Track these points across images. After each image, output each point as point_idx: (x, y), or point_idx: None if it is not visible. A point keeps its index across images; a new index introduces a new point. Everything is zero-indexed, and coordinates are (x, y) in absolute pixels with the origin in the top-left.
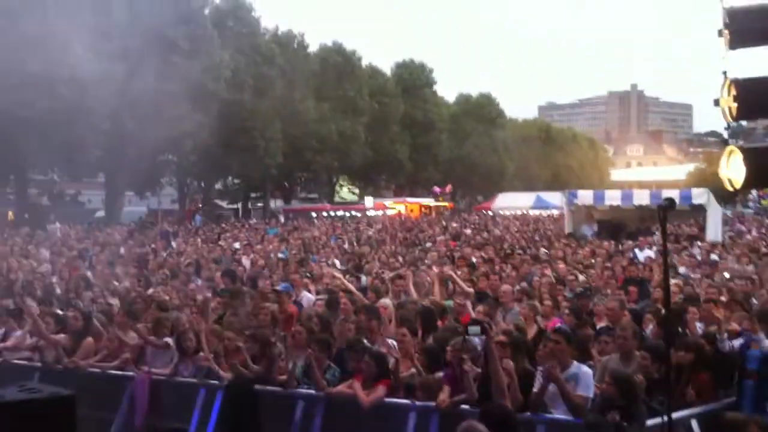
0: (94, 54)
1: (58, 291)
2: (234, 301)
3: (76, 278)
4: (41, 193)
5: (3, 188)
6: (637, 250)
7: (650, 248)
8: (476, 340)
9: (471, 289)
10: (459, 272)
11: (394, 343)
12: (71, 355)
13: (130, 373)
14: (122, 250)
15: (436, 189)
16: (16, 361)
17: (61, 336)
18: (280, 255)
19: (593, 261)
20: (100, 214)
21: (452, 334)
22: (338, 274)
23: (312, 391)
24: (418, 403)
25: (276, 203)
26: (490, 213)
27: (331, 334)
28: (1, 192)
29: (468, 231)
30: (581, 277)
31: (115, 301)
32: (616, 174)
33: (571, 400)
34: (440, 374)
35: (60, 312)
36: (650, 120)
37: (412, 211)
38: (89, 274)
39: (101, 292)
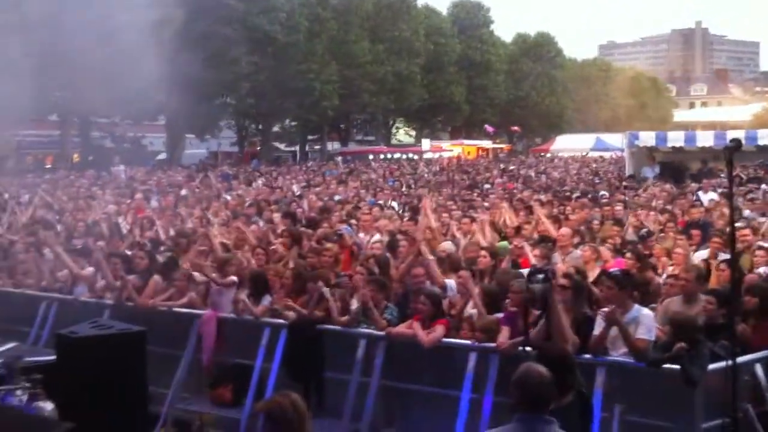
0: None
1: (124, 232)
2: (295, 242)
3: (141, 219)
4: (104, 136)
5: (68, 131)
6: (700, 193)
7: (714, 191)
8: (535, 283)
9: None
10: (518, 215)
11: (453, 284)
12: (139, 294)
13: (197, 311)
14: (184, 192)
15: (489, 128)
16: (86, 299)
17: (130, 276)
18: (337, 197)
19: (654, 204)
20: (162, 156)
21: (513, 275)
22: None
23: (373, 331)
24: (478, 343)
25: (333, 146)
26: (549, 155)
27: (389, 276)
28: (66, 135)
29: (528, 172)
30: (642, 220)
31: (179, 241)
32: (679, 114)
33: (632, 344)
34: (499, 315)
35: (127, 252)
36: (715, 59)
37: (468, 153)
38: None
39: (165, 233)
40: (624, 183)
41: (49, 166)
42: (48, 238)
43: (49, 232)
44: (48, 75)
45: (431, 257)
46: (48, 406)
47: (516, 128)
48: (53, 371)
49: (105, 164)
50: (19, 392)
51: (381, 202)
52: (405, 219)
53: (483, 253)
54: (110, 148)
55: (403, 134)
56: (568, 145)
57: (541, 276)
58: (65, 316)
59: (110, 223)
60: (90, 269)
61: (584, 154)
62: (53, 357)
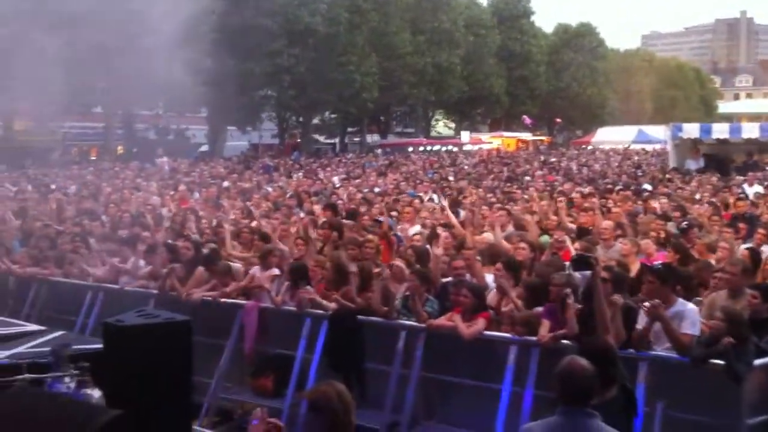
0: None
1: (167, 223)
2: (336, 233)
3: (185, 210)
4: (148, 127)
5: (112, 123)
6: (745, 186)
7: (760, 183)
8: (579, 276)
9: (572, 225)
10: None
11: (491, 277)
12: (183, 284)
13: (240, 302)
14: (226, 183)
15: (527, 119)
16: (130, 288)
17: (175, 265)
18: (377, 189)
19: (698, 196)
20: (204, 148)
21: (554, 269)
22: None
23: (413, 323)
24: (518, 337)
25: (372, 138)
26: (590, 147)
27: (429, 268)
28: (111, 127)
29: (570, 165)
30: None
31: (223, 233)
32: (724, 106)
33: (677, 338)
34: (540, 309)
35: (171, 242)
36: (760, 49)
37: (508, 145)
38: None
39: (209, 224)
40: (667, 176)
41: (93, 158)
42: (94, 228)
43: (95, 222)
44: (92, 68)
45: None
46: (95, 393)
47: (557, 120)
48: (100, 359)
49: (149, 156)
50: (67, 379)
51: (421, 194)
52: (445, 211)
53: (522, 245)
54: (154, 140)
55: (442, 126)
56: (610, 137)
57: (584, 264)
58: (111, 305)
59: (155, 214)
60: (135, 259)
61: (626, 146)
62: (100, 345)
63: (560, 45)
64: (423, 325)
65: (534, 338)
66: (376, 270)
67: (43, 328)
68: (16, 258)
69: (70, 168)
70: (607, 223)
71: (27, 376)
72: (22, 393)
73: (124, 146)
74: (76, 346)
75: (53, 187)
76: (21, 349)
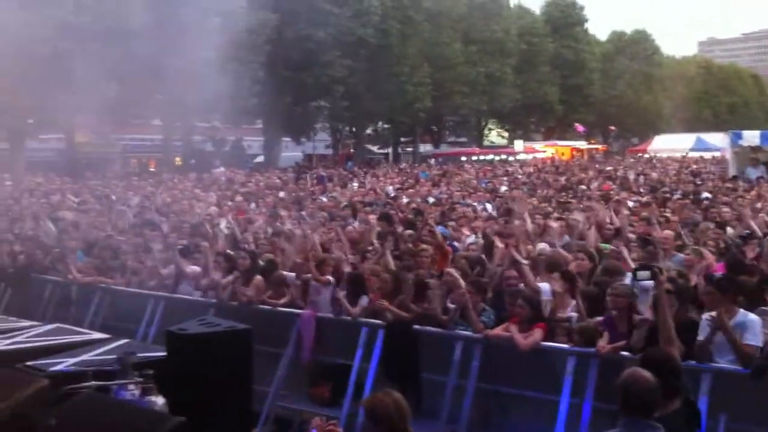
0: (247, 3)
1: (225, 232)
2: (391, 243)
3: (242, 220)
4: (205, 139)
5: (170, 135)
6: None
7: None
8: (640, 285)
9: (632, 234)
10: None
11: (547, 287)
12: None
13: (297, 311)
14: (282, 194)
15: (579, 127)
16: (191, 298)
17: (234, 275)
18: (431, 199)
19: (760, 205)
20: (260, 159)
21: (613, 278)
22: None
23: (470, 333)
24: (577, 348)
25: (425, 148)
26: (646, 156)
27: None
28: (169, 139)
29: (626, 173)
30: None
31: (282, 243)
32: None
33: (740, 349)
34: (599, 319)
35: (229, 252)
36: None
37: (563, 154)
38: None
39: (264, 234)
40: (727, 184)
41: (152, 169)
42: (154, 238)
43: (155, 232)
44: (151, 80)
45: (525, 260)
46: (159, 400)
47: (611, 128)
48: (163, 367)
49: (206, 167)
50: (131, 387)
51: (475, 203)
52: (499, 221)
53: (581, 255)
54: (211, 152)
55: (495, 135)
56: (667, 145)
57: (647, 272)
58: (171, 314)
59: (213, 224)
60: (194, 268)
61: (684, 154)
62: (163, 353)
63: (615, 52)
64: (479, 335)
65: (593, 349)
66: (432, 280)
67: (107, 336)
68: (79, 267)
69: (130, 179)
70: (667, 233)
71: (93, 383)
72: (89, 400)
73: (182, 157)
74: (140, 354)
75: (114, 198)
76: (87, 356)
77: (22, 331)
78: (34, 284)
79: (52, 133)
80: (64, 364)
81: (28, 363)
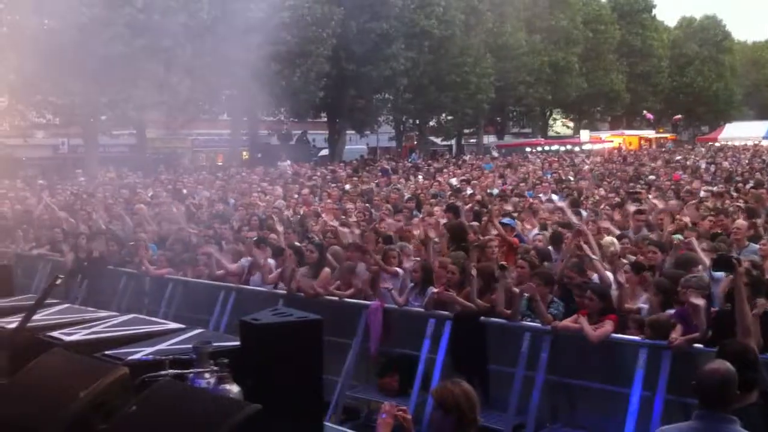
0: None
1: (292, 225)
2: (458, 235)
3: (308, 213)
4: (271, 133)
5: (237, 130)
6: None
7: None
8: (716, 276)
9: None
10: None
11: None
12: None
13: (365, 302)
14: (347, 187)
15: (648, 114)
16: (261, 288)
17: (303, 267)
18: (495, 190)
19: None
20: (324, 152)
21: (686, 270)
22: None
23: (538, 324)
24: (649, 340)
25: (489, 139)
26: (717, 144)
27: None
28: (236, 134)
29: (697, 162)
30: None
31: (346, 234)
32: None
33: None
34: (671, 311)
35: (297, 244)
36: None
37: (630, 143)
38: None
39: (331, 226)
40: None
41: (220, 163)
42: (224, 231)
43: (225, 225)
44: (219, 76)
45: (593, 252)
46: (234, 388)
47: (678, 117)
48: (237, 356)
49: (272, 161)
50: (207, 375)
51: (540, 195)
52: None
53: (652, 248)
54: (276, 146)
55: (560, 125)
56: (739, 133)
57: (725, 264)
58: (242, 305)
59: (281, 217)
60: (263, 260)
61: (757, 142)
62: (237, 342)
63: (684, 39)
64: (547, 326)
65: (665, 342)
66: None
67: (182, 326)
68: (152, 260)
69: (199, 173)
70: (740, 223)
71: (170, 371)
72: (167, 388)
73: (249, 152)
74: (215, 343)
75: (185, 192)
76: (163, 346)
77: (100, 322)
78: (110, 276)
79: (124, 129)
80: (142, 353)
81: (107, 352)
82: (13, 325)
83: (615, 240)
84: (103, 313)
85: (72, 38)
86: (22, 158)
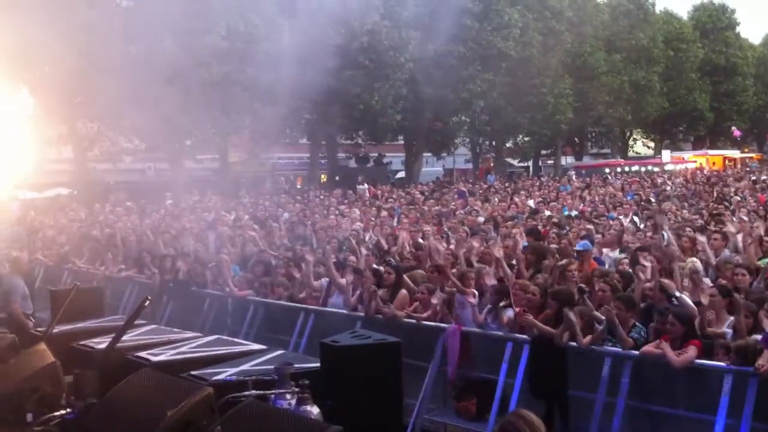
0: (390, 22)
1: (370, 247)
2: (539, 258)
3: (386, 235)
4: (349, 156)
5: (316, 153)
6: None
7: None
8: None
9: None
10: None
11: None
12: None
13: (442, 324)
14: (425, 209)
15: (736, 131)
16: (339, 310)
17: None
18: (573, 212)
19: None
20: (401, 174)
21: None
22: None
23: (619, 349)
24: (734, 366)
25: (567, 160)
26: None
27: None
28: (315, 157)
29: None
30: None
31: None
32: None
33: None
34: (758, 336)
35: (375, 267)
36: None
37: (714, 164)
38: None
39: (408, 248)
40: None
41: (299, 186)
42: (305, 253)
43: (306, 247)
44: (299, 101)
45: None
46: (314, 410)
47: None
48: (318, 377)
49: (350, 183)
50: (288, 396)
51: (621, 216)
52: (647, 234)
53: (741, 270)
54: (354, 168)
55: (641, 146)
56: None
57: None
58: (321, 327)
59: (359, 239)
60: (344, 280)
61: None
62: (317, 364)
63: None
64: (628, 352)
65: (751, 368)
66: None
67: (263, 347)
68: (234, 281)
69: (280, 196)
70: None
71: (253, 392)
72: (250, 408)
73: (328, 174)
74: (296, 365)
75: (266, 214)
76: (246, 366)
77: (185, 342)
78: (194, 297)
79: (208, 153)
80: (226, 373)
81: (193, 372)
82: (103, 346)
83: (697, 261)
84: (188, 334)
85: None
86: (110, 182)
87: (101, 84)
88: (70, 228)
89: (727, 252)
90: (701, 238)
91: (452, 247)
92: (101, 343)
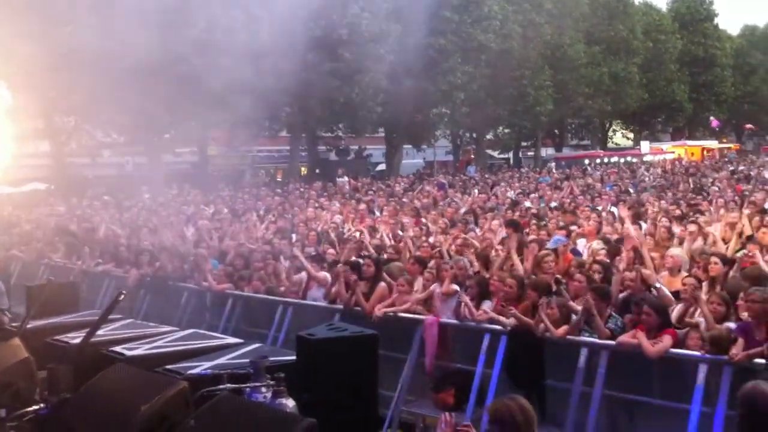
0: (370, 14)
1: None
2: (517, 250)
3: (364, 228)
4: (329, 149)
5: (296, 146)
6: None
7: None
8: None
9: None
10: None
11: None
12: (366, 299)
13: (420, 316)
14: (405, 201)
15: (714, 121)
16: (318, 303)
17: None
18: (553, 204)
19: None
20: (381, 167)
21: (753, 284)
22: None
23: (595, 339)
24: (709, 355)
25: (547, 151)
26: None
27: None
28: (295, 150)
29: (760, 173)
30: None
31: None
32: None
33: None
34: (731, 325)
35: (354, 259)
36: None
37: (692, 154)
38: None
39: (387, 241)
40: None
41: (279, 179)
42: (284, 246)
43: (284, 240)
44: (278, 93)
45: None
46: (290, 403)
47: (748, 126)
48: (293, 370)
49: (330, 176)
50: (264, 389)
51: (599, 207)
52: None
53: (714, 260)
54: (334, 161)
55: (620, 137)
56: None
57: None
58: (299, 320)
59: (338, 232)
60: (323, 274)
61: None
62: (293, 357)
63: (748, 47)
64: (605, 341)
65: (725, 357)
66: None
67: (240, 341)
68: (213, 275)
69: (259, 190)
70: None
71: (228, 386)
72: (225, 402)
73: (308, 167)
74: (271, 358)
75: (244, 208)
76: (222, 360)
77: (160, 337)
78: (172, 291)
79: (187, 146)
80: (201, 367)
81: (168, 367)
82: (78, 341)
83: (680, 251)
84: (164, 328)
85: (136, 58)
86: (89, 177)
87: (77, 78)
88: (47, 223)
89: (700, 241)
90: (677, 229)
91: (431, 239)
92: (76, 338)
